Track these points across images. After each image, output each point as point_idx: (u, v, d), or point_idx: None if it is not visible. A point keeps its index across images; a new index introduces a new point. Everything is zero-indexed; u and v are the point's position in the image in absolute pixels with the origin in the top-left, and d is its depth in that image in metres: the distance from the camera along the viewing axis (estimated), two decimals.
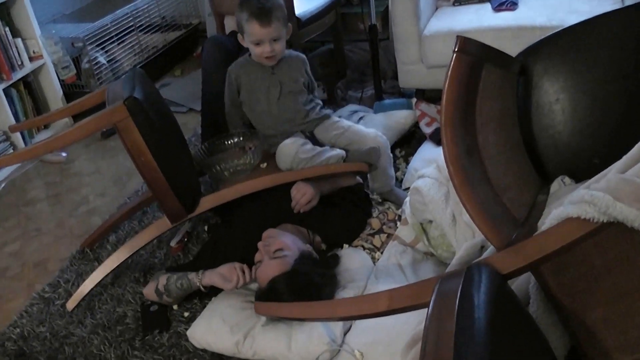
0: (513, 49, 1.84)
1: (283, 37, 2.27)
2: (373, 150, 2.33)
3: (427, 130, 2.82)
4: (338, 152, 2.29)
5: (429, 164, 2.58)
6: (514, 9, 2.91)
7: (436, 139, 2.76)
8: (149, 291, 2.15)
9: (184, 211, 2.11)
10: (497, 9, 2.94)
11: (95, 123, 1.88)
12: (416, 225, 2.23)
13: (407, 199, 2.36)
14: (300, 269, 1.95)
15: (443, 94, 1.58)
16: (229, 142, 2.46)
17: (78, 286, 2.34)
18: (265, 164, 2.38)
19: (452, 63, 1.59)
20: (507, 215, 1.58)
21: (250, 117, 2.43)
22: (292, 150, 2.20)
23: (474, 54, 1.65)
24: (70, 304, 2.19)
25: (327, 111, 2.47)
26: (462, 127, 1.61)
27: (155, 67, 4.09)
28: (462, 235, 1.98)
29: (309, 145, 2.25)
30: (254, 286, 2.13)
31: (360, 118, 2.95)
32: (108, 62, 3.82)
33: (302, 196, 2.21)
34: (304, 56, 2.41)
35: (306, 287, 1.92)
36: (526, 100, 1.88)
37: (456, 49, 1.60)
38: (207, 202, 2.17)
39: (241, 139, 2.45)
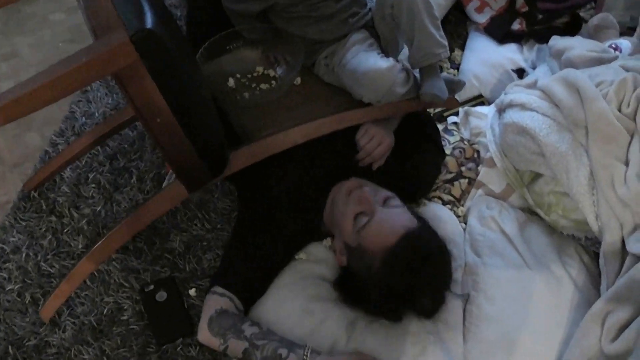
0: None
1: None
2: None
3: (479, 18, 2.16)
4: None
5: (494, 69, 1.99)
6: None
7: (497, 32, 2.10)
8: (207, 340, 1.41)
9: (209, 175, 1.41)
10: None
11: (80, 74, 1.06)
12: (510, 170, 1.66)
13: (487, 127, 1.77)
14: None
15: None
16: (247, 49, 1.70)
17: (35, 258, 1.64)
18: (299, 79, 1.67)
19: None
20: None
21: (284, 25, 1.65)
22: (389, 80, 1.49)
23: None
24: (46, 313, 1.48)
25: None
26: None
27: None
28: (608, 214, 1.44)
29: (404, 73, 1.54)
30: (322, 270, 1.52)
31: None
32: None
33: (377, 146, 1.56)
34: None
35: (446, 255, 1.42)
36: None
37: None
38: (242, 158, 1.45)
39: (263, 45, 1.70)
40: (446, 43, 1.56)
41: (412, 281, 1.34)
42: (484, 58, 2.04)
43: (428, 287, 1.37)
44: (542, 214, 1.61)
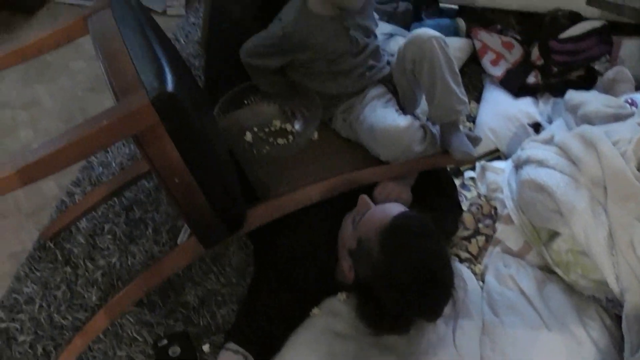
0: None
1: None
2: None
3: (495, 71, 2.17)
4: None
5: (510, 123, 1.99)
6: None
7: (513, 85, 2.11)
8: None
9: (226, 232, 1.40)
10: None
11: (100, 136, 1.07)
12: (528, 227, 1.65)
13: (504, 183, 1.76)
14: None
15: None
16: (264, 103, 1.72)
17: (48, 309, 1.63)
18: (316, 134, 1.68)
19: None
20: None
21: (302, 80, 1.67)
22: (406, 139, 1.50)
23: None
24: None
25: None
26: None
27: None
28: (628, 276, 1.42)
29: (422, 131, 1.55)
30: (337, 325, 1.49)
31: None
32: None
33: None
34: None
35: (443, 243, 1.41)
36: None
37: None
38: (258, 216, 1.45)
39: (280, 99, 1.71)
40: (466, 99, 1.57)
41: (412, 261, 1.31)
42: (500, 111, 2.04)
43: (431, 265, 1.32)
44: (561, 273, 1.58)
